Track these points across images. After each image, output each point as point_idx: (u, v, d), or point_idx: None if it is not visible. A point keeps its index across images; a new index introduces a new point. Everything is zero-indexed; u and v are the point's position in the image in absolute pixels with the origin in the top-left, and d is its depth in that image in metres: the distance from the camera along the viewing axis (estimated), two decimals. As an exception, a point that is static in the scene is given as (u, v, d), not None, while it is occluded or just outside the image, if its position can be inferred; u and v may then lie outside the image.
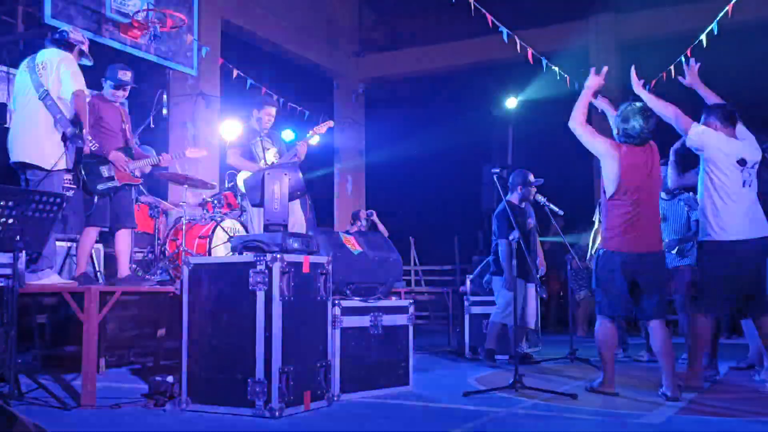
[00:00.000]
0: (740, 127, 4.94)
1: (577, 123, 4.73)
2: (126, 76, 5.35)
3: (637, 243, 4.52)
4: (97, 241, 5.73)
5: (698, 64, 5.21)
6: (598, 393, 4.64)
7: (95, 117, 5.17)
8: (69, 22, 7.08)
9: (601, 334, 4.65)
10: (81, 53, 5.05)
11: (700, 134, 4.77)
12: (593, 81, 4.88)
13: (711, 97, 5.11)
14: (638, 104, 4.69)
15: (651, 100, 4.82)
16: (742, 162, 4.75)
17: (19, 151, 4.79)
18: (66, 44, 4.95)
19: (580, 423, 3.87)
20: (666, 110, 4.81)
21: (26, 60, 4.94)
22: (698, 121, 4.90)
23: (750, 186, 4.77)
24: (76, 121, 4.73)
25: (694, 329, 4.89)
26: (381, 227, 9.88)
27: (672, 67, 8.65)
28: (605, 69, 4.90)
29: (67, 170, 4.91)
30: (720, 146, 4.76)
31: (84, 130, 4.78)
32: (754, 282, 4.76)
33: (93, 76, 5.31)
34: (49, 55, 4.86)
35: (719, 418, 4.01)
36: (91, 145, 5.00)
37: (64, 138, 4.77)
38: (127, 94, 5.47)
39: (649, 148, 4.63)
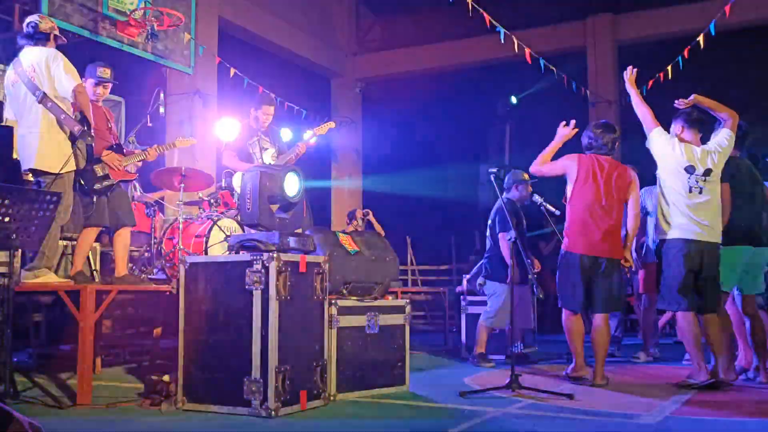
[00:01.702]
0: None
1: (540, 165, 5.29)
2: (105, 72, 5.26)
3: (589, 246, 5.05)
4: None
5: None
6: (572, 378, 5.06)
7: None
8: (65, 20, 7.08)
9: (566, 325, 5.17)
10: (55, 38, 4.89)
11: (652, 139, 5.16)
12: (564, 132, 5.39)
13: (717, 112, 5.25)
14: (600, 121, 5.43)
15: (635, 96, 5.28)
16: (689, 169, 4.98)
17: (27, 159, 4.73)
18: (42, 36, 4.80)
19: (577, 423, 3.87)
20: (641, 109, 5.23)
21: (11, 65, 4.85)
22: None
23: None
24: (82, 119, 4.70)
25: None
26: (377, 226, 9.88)
27: (669, 68, 8.66)
28: (573, 122, 5.40)
29: (77, 170, 4.86)
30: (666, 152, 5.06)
31: (92, 126, 4.74)
32: None
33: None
34: (35, 55, 4.73)
35: (715, 418, 4.02)
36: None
37: (73, 138, 4.73)
38: (108, 92, 5.39)
39: (614, 161, 5.19)
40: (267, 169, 4.51)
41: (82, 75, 5.21)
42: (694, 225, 4.92)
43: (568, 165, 5.18)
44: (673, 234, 4.99)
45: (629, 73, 5.35)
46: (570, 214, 5.16)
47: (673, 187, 5.01)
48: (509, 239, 4.96)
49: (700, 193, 4.95)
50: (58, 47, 4.85)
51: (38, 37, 4.81)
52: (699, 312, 5.04)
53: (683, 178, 4.97)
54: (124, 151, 5.38)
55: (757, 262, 5.27)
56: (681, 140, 5.07)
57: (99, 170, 5.08)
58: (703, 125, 5.16)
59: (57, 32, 4.93)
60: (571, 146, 5.37)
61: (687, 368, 5.16)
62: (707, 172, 4.97)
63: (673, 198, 5.00)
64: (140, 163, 5.54)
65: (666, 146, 5.05)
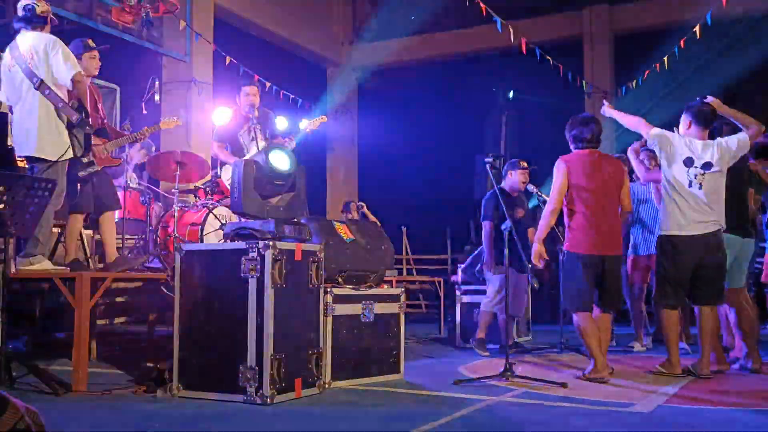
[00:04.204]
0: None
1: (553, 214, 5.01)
2: (92, 42, 5.27)
3: (595, 245, 4.86)
4: (86, 228, 5.71)
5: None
6: (589, 380, 4.74)
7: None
8: (60, 5, 7.04)
9: (580, 324, 4.87)
10: (50, 21, 4.88)
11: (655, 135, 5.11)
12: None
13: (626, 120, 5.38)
14: (579, 115, 5.18)
15: (619, 116, 5.33)
16: (687, 161, 4.98)
17: (22, 146, 4.70)
18: (38, 20, 4.77)
19: (570, 411, 3.89)
20: (630, 121, 5.26)
21: (7, 49, 4.81)
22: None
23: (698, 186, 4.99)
24: (79, 107, 4.68)
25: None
26: (372, 219, 9.89)
27: (665, 59, 8.66)
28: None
29: (75, 158, 4.85)
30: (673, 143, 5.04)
31: (90, 115, 4.74)
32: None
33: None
34: (33, 41, 4.70)
35: (706, 407, 4.05)
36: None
37: (70, 125, 4.71)
38: (99, 63, 5.37)
39: (600, 155, 5.04)
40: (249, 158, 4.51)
41: (105, 63, 5.21)
42: (691, 220, 4.94)
43: (563, 174, 4.93)
44: (669, 230, 5.01)
45: (606, 104, 5.47)
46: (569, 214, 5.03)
47: (672, 182, 5.01)
48: (504, 228, 4.96)
49: (700, 187, 4.95)
50: (52, 30, 4.83)
51: (35, 21, 4.77)
52: (696, 303, 5.09)
53: (683, 171, 4.97)
54: (110, 135, 5.36)
55: (745, 253, 5.31)
56: (688, 134, 5.07)
57: (84, 157, 5.07)
58: (711, 122, 5.14)
59: (52, 15, 4.91)
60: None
61: (686, 359, 5.19)
62: (706, 165, 4.96)
63: (672, 192, 5.01)
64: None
65: (667, 141, 5.04)
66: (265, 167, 4.32)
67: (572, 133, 5.06)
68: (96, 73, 5.35)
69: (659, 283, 5.14)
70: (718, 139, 5.10)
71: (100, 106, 5.32)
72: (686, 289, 5.06)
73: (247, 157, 5.80)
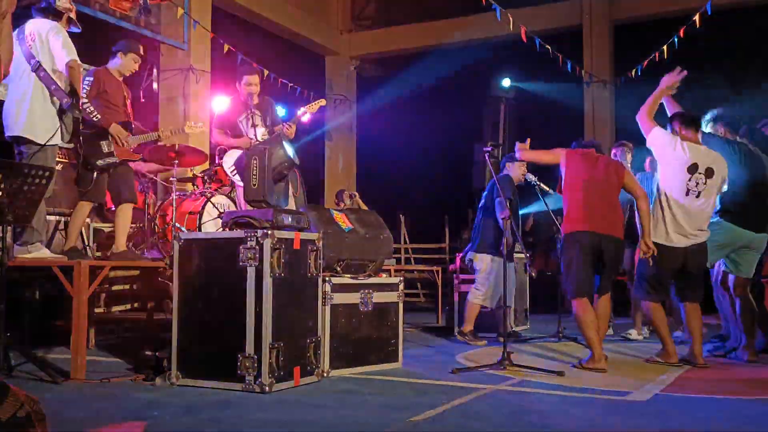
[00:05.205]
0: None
1: (531, 155, 5.25)
2: (142, 48, 5.44)
3: (593, 222, 4.84)
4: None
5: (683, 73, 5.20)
6: (586, 369, 4.75)
7: (99, 90, 5.14)
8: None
9: (578, 313, 4.85)
10: (69, 20, 4.94)
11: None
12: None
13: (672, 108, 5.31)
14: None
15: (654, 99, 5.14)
16: (692, 168, 4.93)
17: (12, 126, 4.72)
18: (54, 12, 4.84)
19: (567, 399, 3.91)
20: (642, 109, 5.13)
21: (15, 32, 4.85)
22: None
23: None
24: (72, 92, 4.69)
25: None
26: (364, 208, 9.89)
27: (665, 48, 8.64)
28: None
29: (61, 146, 4.87)
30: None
31: (80, 102, 4.75)
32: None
33: (84, 48, 5.24)
34: (37, 25, 4.77)
35: (703, 396, 4.07)
36: (93, 115, 4.96)
37: (61, 110, 4.72)
38: (137, 68, 5.49)
39: (600, 155, 5.09)
40: (262, 145, 4.51)
41: (95, 47, 5.23)
42: (681, 234, 4.94)
43: (557, 156, 5.09)
44: (658, 239, 4.98)
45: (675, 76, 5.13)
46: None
47: (669, 190, 4.98)
48: (504, 217, 4.96)
49: (698, 196, 4.92)
50: (70, 34, 4.87)
51: (50, 12, 4.84)
52: (681, 300, 5.15)
53: (683, 178, 4.93)
54: (133, 129, 5.36)
55: (757, 247, 5.31)
56: (683, 138, 5.04)
57: (105, 146, 5.07)
58: (699, 123, 5.17)
59: (73, 15, 4.96)
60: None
61: (681, 347, 5.22)
62: (709, 172, 4.94)
63: (666, 201, 4.98)
64: (140, 142, 5.53)
65: (668, 145, 5.00)
66: (282, 155, 4.33)
67: (573, 143, 5.24)
68: (128, 74, 5.42)
69: (639, 280, 5.18)
70: (721, 154, 5.08)
71: (128, 102, 5.36)
72: (669, 286, 5.13)
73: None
